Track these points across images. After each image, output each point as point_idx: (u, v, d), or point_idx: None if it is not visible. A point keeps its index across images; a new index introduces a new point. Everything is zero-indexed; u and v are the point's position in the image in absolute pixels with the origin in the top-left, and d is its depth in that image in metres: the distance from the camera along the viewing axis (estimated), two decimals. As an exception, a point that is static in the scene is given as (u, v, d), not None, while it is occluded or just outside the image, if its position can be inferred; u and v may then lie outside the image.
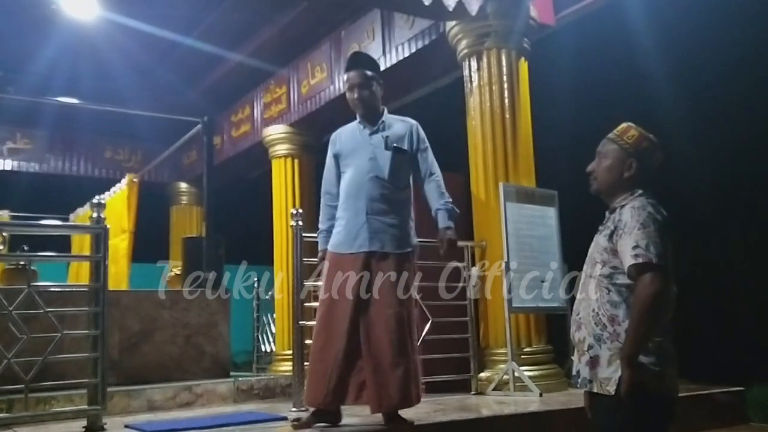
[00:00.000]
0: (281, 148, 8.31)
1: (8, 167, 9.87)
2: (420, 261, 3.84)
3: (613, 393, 2.07)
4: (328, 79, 7.50)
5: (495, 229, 5.25)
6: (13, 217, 8.32)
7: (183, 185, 11.06)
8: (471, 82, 5.68)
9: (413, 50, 6.34)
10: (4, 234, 6.94)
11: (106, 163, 10.64)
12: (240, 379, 5.49)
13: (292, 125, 8.20)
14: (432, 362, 5.11)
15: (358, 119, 3.77)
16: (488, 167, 5.47)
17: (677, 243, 2.13)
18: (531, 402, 4.56)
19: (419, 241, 3.73)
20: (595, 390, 2.14)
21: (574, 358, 2.27)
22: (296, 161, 8.28)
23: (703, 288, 5.49)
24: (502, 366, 5.10)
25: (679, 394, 2.19)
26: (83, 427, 3.74)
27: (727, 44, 5.78)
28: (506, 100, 5.52)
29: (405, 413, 3.54)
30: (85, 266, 5.71)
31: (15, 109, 8.86)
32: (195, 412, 4.60)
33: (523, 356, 5.13)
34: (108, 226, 3.97)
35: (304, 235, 4.54)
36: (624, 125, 2.31)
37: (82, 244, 8.04)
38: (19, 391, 3.59)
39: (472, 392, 5.11)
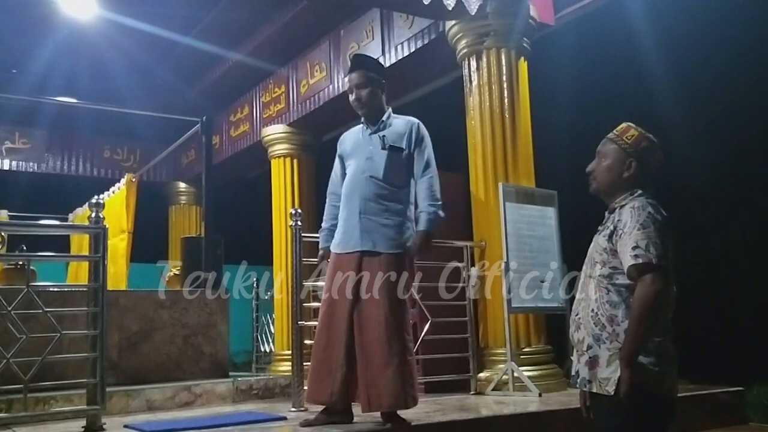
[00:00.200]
0: (280, 148, 8.31)
1: (7, 167, 9.86)
2: (420, 261, 3.83)
3: (612, 393, 2.06)
4: (328, 78, 7.49)
5: (494, 229, 5.25)
6: (12, 217, 8.30)
7: (182, 185, 11.06)
8: (470, 81, 5.67)
9: (412, 49, 6.34)
10: (2, 234, 6.92)
11: (105, 162, 10.62)
12: (239, 379, 5.48)
13: (291, 125, 8.20)
14: (431, 362, 5.13)
15: (362, 120, 3.78)
16: (488, 167, 5.47)
17: (677, 243, 2.13)
18: (530, 402, 4.56)
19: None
20: (594, 390, 2.14)
21: (574, 358, 2.27)
22: (295, 161, 8.29)
23: (703, 288, 5.48)
24: (501, 366, 5.10)
25: (679, 394, 2.19)
26: (82, 427, 3.73)
27: (727, 44, 5.77)
28: (506, 100, 5.51)
29: (404, 414, 3.53)
30: (84, 266, 5.69)
31: (13, 108, 8.84)
32: (194, 412, 4.59)
33: (522, 356, 5.13)
34: (107, 226, 3.96)
35: (303, 235, 4.54)
36: (624, 125, 2.31)
37: (81, 244, 8.02)
38: (18, 391, 3.58)
39: (472, 392, 5.11)
